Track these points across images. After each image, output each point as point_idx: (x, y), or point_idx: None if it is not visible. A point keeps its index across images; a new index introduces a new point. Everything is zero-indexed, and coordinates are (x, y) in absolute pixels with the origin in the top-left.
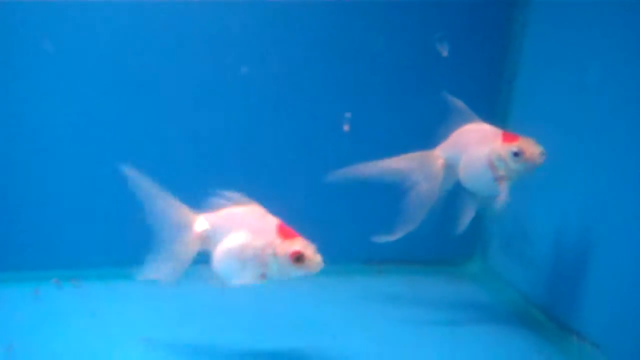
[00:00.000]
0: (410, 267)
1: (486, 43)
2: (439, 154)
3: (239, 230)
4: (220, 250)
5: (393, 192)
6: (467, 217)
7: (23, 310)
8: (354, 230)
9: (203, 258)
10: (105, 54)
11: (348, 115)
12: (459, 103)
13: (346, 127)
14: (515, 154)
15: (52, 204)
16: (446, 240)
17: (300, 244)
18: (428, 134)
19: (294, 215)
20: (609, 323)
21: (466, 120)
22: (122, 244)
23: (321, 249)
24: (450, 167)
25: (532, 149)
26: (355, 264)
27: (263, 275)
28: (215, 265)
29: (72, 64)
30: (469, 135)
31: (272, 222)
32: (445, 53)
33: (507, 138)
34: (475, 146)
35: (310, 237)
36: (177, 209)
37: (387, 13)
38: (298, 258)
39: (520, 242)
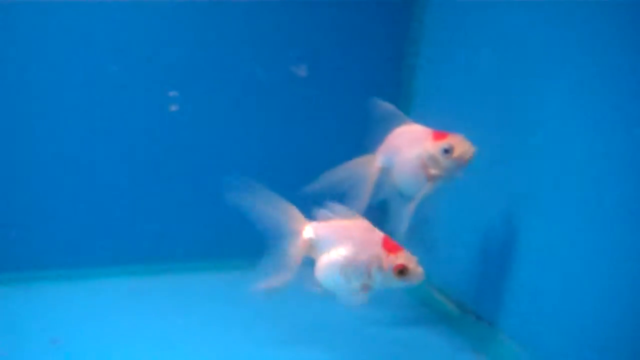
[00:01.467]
0: None
1: (385, 37)
2: (377, 158)
3: (345, 242)
4: (326, 261)
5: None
6: (405, 221)
7: None
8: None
9: None
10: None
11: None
12: (389, 106)
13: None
14: (446, 151)
15: None
16: None
17: (404, 258)
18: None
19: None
20: (507, 304)
21: (398, 122)
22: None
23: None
24: (387, 171)
25: (461, 145)
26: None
27: (366, 287)
28: (318, 274)
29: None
30: (400, 138)
31: (378, 235)
32: (303, 73)
33: (437, 136)
34: (407, 148)
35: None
36: (289, 215)
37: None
38: (402, 271)
39: (422, 226)
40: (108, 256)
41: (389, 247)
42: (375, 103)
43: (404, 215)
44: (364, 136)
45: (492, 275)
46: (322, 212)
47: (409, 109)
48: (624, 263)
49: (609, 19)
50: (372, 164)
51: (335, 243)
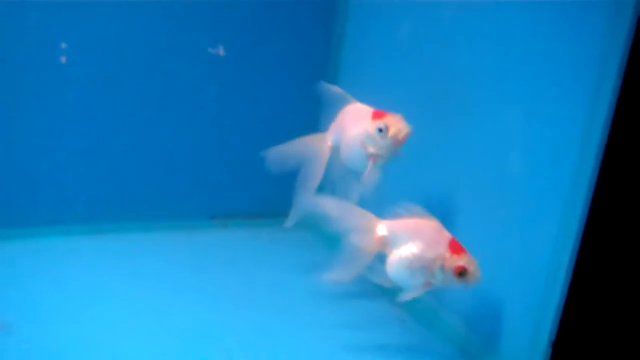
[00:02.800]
0: (253, 221)
1: (313, 8)
2: (327, 137)
3: (414, 240)
4: (395, 257)
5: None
6: (353, 197)
7: None
8: (201, 188)
9: None
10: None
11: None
12: (336, 88)
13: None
14: (380, 130)
15: None
16: (284, 195)
17: (465, 260)
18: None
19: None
20: None
21: (344, 102)
22: None
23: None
24: (336, 149)
25: (396, 124)
26: (202, 219)
27: (428, 283)
28: (388, 269)
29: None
30: (346, 117)
31: (446, 236)
32: (222, 52)
33: (375, 115)
34: (351, 126)
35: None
36: (362, 215)
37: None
38: (461, 273)
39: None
40: (46, 216)
41: (454, 248)
42: (324, 86)
43: (353, 192)
44: (298, 109)
45: None
46: (396, 210)
47: (337, 79)
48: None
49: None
50: (324, 142)
51: (405, 240)
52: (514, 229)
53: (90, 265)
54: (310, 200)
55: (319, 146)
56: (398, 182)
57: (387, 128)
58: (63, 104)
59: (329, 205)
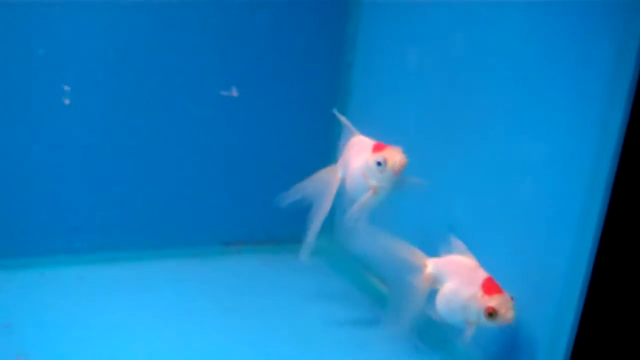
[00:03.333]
0: (266, 247)
1: (322, 35)
2: (337, 169)
3: (453, 278)
4: (439, 294)
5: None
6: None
7: None
8: (213, 214)
9: None
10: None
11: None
12: (343, 119)
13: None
14: (379, 163)
15: None
16: (297, 221)
17: (497, 301)
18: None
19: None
20: None
21: (350, 134)
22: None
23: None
24: (344, 181)
25: (394, 158)
26: (215, 245)
27: (470, 322)
28: (437, 305)
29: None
30: (350, 150)
31: (481, 275)
32: (235, 93)
33: (375, 148)
34: (354, 159)
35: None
36: (412, 253)
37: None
38: (491, 314)
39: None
40: (58, 245)
41: (488, 288)
42: (335, 116)
43: (350, 216)
44: (309, 137)
45: None
46: (445, 247)
47: (347, 108)
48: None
49: (543, 20)
50: (334, 175)
51: (447, 278)
52: (529, 251)
53: (102, 294)
54: (361, 237)
55: (329, 178)
56: (417, 205)
57: (385, 161)
58: (75, 131)
59: (377, 242)
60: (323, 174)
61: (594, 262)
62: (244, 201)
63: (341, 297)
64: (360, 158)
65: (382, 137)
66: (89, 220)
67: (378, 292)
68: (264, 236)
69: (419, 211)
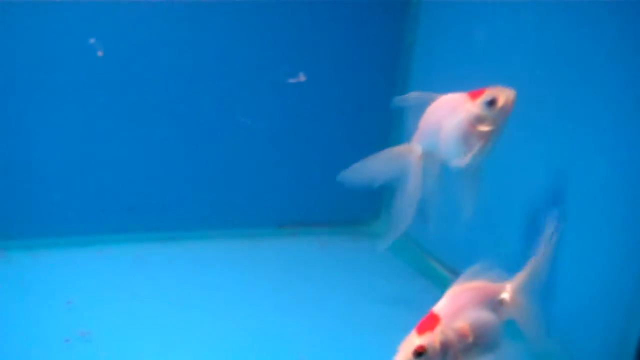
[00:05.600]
0: (322, 229)
1: (385, 21)
2: (415, 147)
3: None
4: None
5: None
6: (469, 205)
7: None
8: (269, 195)
9: None
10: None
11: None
12: (413, 94)
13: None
14: (489, 103)
15: None
16: (355, 203)
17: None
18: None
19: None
20: None
21: (428, 102)
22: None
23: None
24: (429, 154)
25: (502, 93)
26: (270, 227)
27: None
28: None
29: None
30: (436, 114)
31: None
32: (302, 78)
33: (474, 95)
34: (448, 119)
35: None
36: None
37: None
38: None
39: (421, 200)
40: (115, 224)
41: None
42: (400, 99)
43: (469, 194)
44: (369, 117)
45: (482, 245)
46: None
47: (407, 88)
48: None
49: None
50: (412, 153)
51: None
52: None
53: (160, 272)
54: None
55: (408, 159)
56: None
57: (496, 99)
58: (133, 111)
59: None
60: (396, 155)
61: None
62: (300, 184)
63: (397, 278)
64: (456, 114)
65: None
66: (147, 200)
67: (435, 273)
68: (319, 219)
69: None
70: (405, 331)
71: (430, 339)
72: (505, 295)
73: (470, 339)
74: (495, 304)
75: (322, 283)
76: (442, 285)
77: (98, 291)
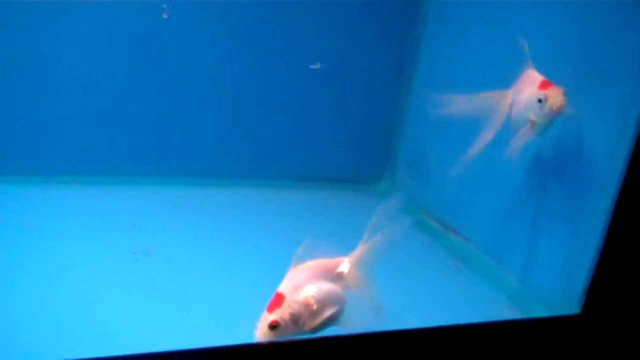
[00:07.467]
0: (334, 185)
1: (397, 10)
2: (509, 94)
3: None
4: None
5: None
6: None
7: (33, 205)
8: (290, 150)
9: None
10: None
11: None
12: (523, 42)
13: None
14: (539, 100)
15: (54, 119)
16: (362, 163)
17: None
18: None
19: (243, 140)
20: (479, 224)
21: (526, 66)
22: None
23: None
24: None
25: (554, 97)
26: (290, 180)
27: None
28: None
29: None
30: (524, 80)
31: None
32: (318, 65)
33: (541, 85)
34: (523, 90)
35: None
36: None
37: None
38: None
39: (420, 163)
40: (164, 169)
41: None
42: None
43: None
44: (379, 93)
45: (469, 200)
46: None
47: (414, 74)
48: None
49: None
50: (506, 99)
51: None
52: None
53: (198, 210)
54: None
55: (500, 100)
56: None
57: (546, 99)
58: (185, 73)
59: None
60: (495, 95)
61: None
62: (319, 146)
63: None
64: (527, 91)
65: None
66: (189, 149)
67: (432, 229)
68: (333, 176)
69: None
70: (401, 272)
71: (279, 314)
72: (344, 268)
73: (315, 307)
74: (334, 276)
75: (328, 227)
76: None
77: (154, 220)
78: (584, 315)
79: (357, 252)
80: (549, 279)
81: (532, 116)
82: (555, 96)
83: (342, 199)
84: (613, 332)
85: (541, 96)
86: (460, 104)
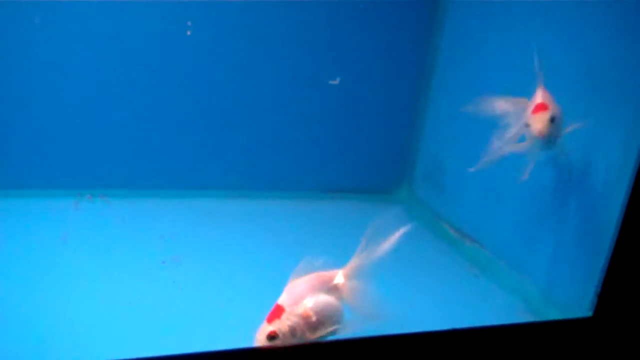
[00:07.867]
0: (355, 195)
1: (415, 23)
2: (528, 103)
3: None
4: None
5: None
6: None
7: (68, 217)
8: (315, 163)
9: None
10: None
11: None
12: (537, 61)
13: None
14: (526, 125)
15: (86, 134)
16: (381, 174)
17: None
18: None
19: (276, 153)
20: (494, 231)
21: (539, 82)
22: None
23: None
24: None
25: (536, 125)
26: (315, 191)
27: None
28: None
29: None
30: (536, 94)
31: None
32: (337, 81)
33: (535, 109)
34: (530, 105)
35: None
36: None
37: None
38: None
39: (436, 173)
40: (193, 182)
41: (267, 318)
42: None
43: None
44: (398, 102)
45: (485, 208)
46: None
47: (431, 83)
48: None
49: None
50: (524, 105)
51: None
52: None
53: (225, 221)
54: None
55: (520, 108)
56: None
57: (529, 125)
58: (210, 81)
59: None
60: (513, 103)
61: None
62: (343, 160)
63: (415, 237)
64: (530, 108)
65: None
66: (219, 164)
67: (449, 237)
68: (355, 187)
69: None
70: (419, 278)
71: (278, 325)
72: (339, 280)
73: (314, 318)
74: (331, 288)
75: (349, 236)
76: (449, 243)
77: (182, 230)
78: (596, 318)
79: (351, 263)
80: (563, 284)
81: (528, 132)
82: (537, 123)
83: (363, 208)
84: (625, 335)
85: (527, 121)
86: (485, 105)
